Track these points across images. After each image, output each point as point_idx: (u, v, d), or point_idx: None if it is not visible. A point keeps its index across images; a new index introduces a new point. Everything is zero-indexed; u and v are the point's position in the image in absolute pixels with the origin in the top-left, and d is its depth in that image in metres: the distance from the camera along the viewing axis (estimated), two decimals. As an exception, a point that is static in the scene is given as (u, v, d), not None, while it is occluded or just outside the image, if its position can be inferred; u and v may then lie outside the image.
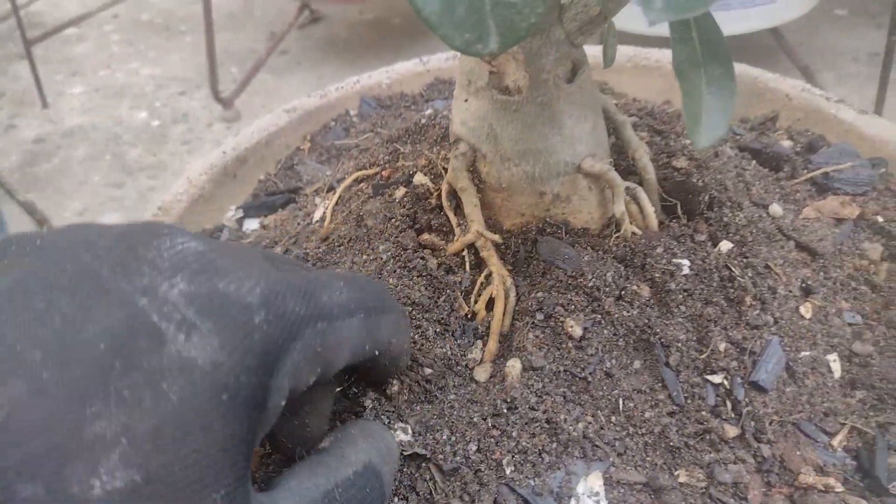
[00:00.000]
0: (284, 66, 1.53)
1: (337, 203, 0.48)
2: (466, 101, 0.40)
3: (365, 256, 0.42)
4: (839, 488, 0.33)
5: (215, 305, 0.21)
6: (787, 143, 0.54)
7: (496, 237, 0.39)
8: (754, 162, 0.50)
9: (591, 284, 0.36)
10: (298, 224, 0.50)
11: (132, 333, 0.20)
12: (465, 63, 0.40)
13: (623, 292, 0.36)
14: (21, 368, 0.19)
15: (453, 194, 0.41)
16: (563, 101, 0.38)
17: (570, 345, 0.35)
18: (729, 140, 0.52)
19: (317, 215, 0.49)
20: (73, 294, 0.21)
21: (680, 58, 0.31)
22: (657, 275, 0.37)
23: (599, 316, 0.36)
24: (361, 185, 0.48)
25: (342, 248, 0.45)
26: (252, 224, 0.54)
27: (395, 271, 0.39)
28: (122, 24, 1.79)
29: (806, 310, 0.39)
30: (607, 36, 0.35)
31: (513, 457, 0.32)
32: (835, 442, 0.35)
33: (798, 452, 0.34)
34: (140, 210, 1.19)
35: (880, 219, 0.46)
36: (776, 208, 0.46)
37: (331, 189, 0.52)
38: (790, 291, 0.39)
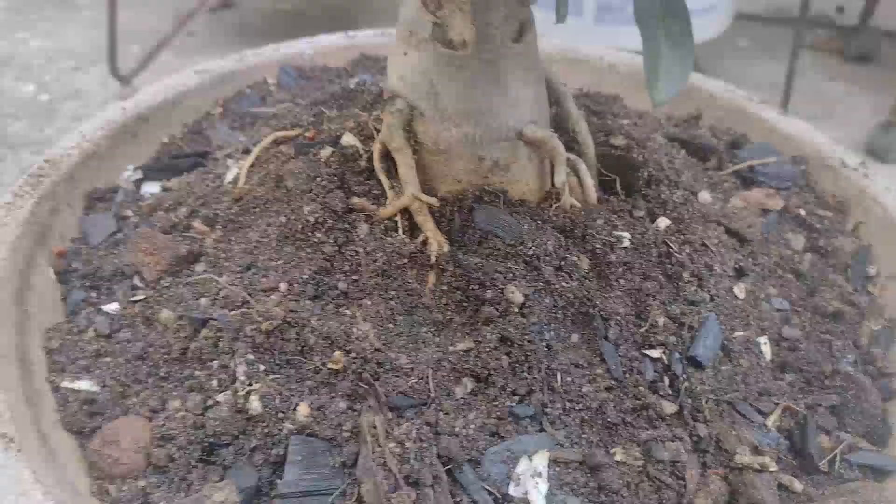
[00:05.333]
0: (191, 48, 1.44)
1: (253, 165, 0.44)
2: (406, 54, 0.37)
3: (283, 218, 0.38)
4: (773, 467, 0.32)
5: None
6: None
7: (433, 200, 0.36)
8: (683, 151, 0.50)
9: (530, 253, 0.34)
10: (207, 185, 0.45)
11: None
12: (406, 12, 0.37)
13: (563, 262, 0.35)
14: None
15: (386, 156, 0.38)
16: (509, 61, 0.36)
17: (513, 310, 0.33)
18: (659, 130, 0.52)
19: (229, 176, 0.45)
20: None
21: (641, 6, 0.29)
22: (598, 246, 0.35)
23: (541, 284, 0.34)
24: (281, 146, 0.44)
25: (257, 209, 0.41)
26: (152, 187, 0.48)
27: (323, 233, 0.36)
28: (10, -9, 1.65)
29: (739, 290, 0.39)
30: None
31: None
32: (769, 422, 0.34)
33: (734, 432, 0.33)
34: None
35: (802, 212, 0.47)
36: (705, 195, 0.46)
37: (246, 151, 0.47)
38: (724, 271, 0.39)
